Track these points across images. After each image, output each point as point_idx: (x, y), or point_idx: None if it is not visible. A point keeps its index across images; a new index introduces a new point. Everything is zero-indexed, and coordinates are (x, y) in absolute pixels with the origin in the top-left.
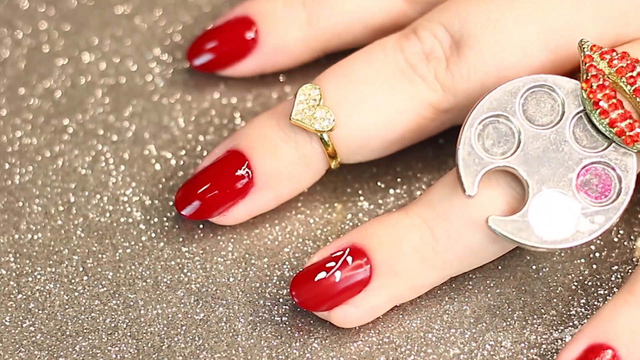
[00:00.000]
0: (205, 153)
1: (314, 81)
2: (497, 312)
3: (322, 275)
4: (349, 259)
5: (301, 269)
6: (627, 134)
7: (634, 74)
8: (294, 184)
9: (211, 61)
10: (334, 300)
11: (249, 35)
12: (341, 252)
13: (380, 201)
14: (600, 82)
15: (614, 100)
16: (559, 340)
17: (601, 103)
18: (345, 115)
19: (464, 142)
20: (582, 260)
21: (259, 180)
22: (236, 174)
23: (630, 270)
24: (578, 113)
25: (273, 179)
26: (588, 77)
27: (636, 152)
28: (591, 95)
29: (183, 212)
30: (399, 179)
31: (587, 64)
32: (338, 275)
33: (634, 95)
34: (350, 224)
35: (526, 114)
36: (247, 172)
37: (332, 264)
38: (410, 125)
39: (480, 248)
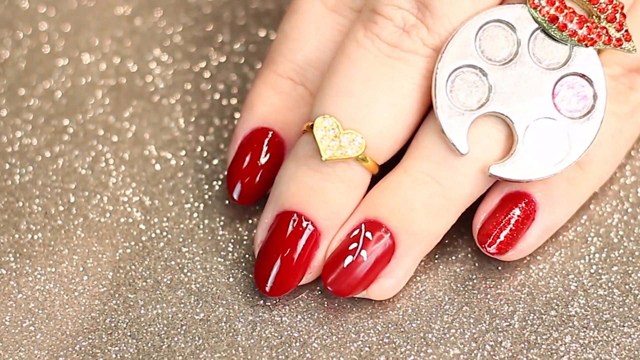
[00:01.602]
0: (205, 154)
1: (317, 111)
2: (497, 312)
3: (349, 259)
4: (368, 234)
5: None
6: (588, 37)
7: None
8: (351, 209)
9: (263, 185)
10: (368, 279)
11: (276, 141)
12: (358, 231)
13: None
14: None
15: (567, 11)
16: (559, 341)
17: (558, 18)
18: (367, 128)
19: (441, 106)
20: (582, 261)
21: (323, 229)
22: (302, 236)
23: (630, 271)
24: (531, 34)
25: (335, 220)
26: None
27: (597, 50)
28: (544, 12)
29: (269, 292)
30: None
31: None
32: (364, 254)
33: None
34: None
35: (485, 54)
36: (308, 227)
37: (355, 245)
38: (424, 98)
39: (486, 178)
